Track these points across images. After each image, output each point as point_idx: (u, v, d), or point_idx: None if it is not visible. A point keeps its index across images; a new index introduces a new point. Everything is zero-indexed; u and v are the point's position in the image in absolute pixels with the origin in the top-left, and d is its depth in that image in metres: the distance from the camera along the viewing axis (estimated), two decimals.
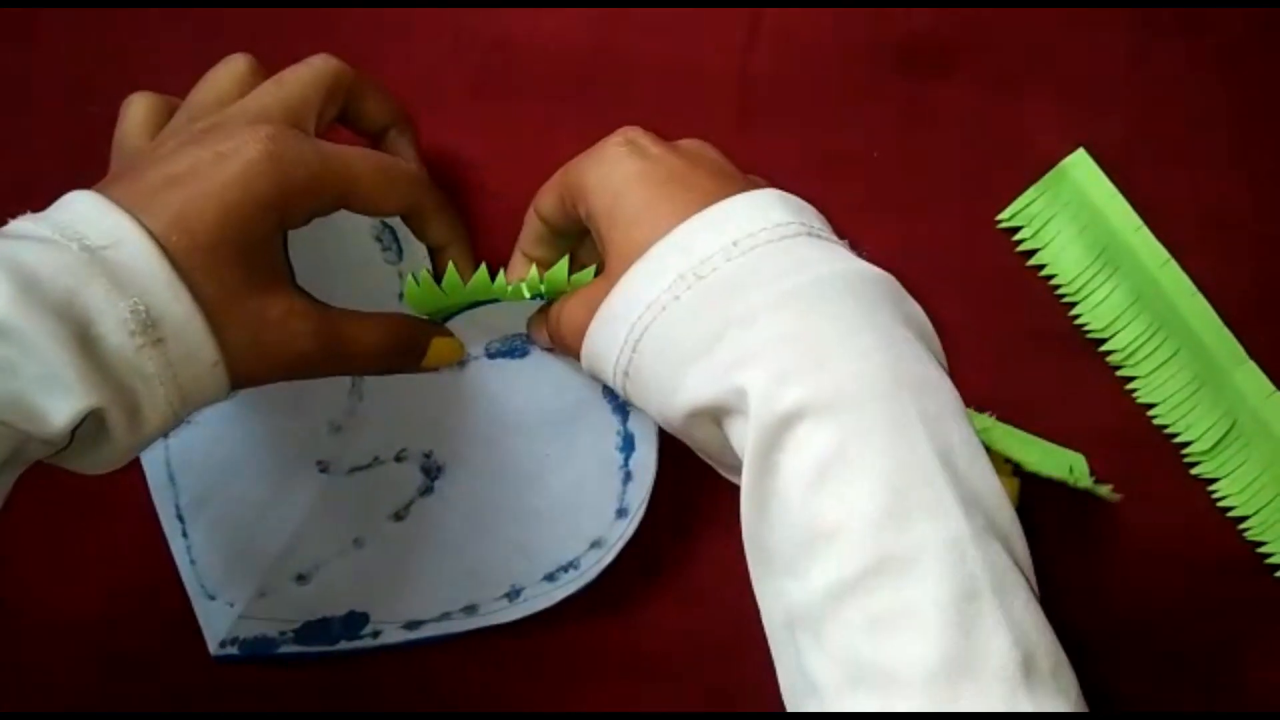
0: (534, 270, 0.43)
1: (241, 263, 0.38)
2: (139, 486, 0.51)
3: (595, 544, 0.49)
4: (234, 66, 0.43)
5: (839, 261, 0.36)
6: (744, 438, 0.34)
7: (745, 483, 0.34)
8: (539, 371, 0.50)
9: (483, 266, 0.43)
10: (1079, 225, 0.52)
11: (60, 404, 0.33)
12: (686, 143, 0.42)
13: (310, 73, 0.42)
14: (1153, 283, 0.52)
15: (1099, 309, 0.52)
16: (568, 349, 0.42)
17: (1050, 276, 0.53)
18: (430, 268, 0.47)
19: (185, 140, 0.39)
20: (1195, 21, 0.53)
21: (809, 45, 0.53)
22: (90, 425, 0.35)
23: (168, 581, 0.51)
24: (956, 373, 0.52)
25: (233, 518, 0.51)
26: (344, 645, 0.51)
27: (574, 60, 0.53)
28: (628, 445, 0.49)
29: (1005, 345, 0.53)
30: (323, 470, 0.52)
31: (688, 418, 0.37)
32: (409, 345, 0.45)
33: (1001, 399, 0.53)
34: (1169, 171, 0.53)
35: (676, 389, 0.36)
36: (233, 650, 0.51)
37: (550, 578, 0.50)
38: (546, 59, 0.53)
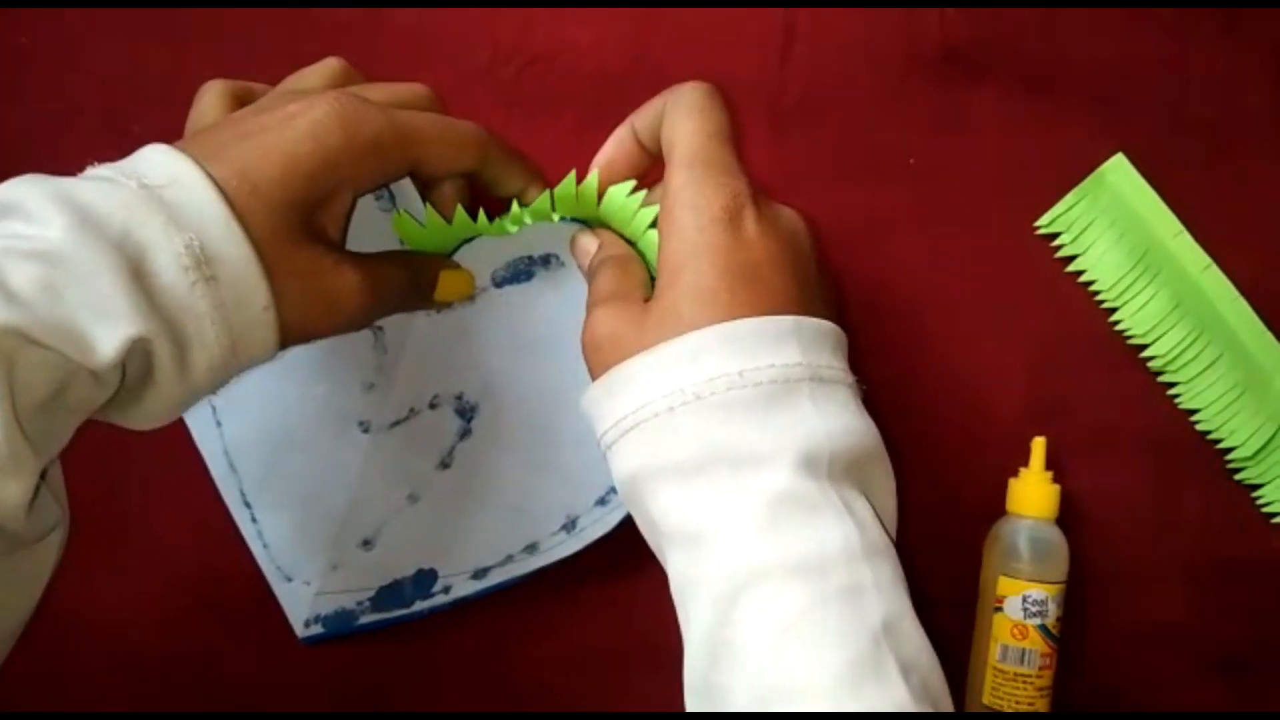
0: (515, 205, 0.43)
1: (299, 215, 0.39)
2: (200, 479, 0.53)
3: None
4: (327, 65, 0.45)
5: (829, 420, 0.38)
6: (688, 566, 0.37)
7: (701, 627, 0.36)
8: (549, 290, 0.50)
9: (459, 208, 0.44)
10: (1118, 231, 0.52)
11: (108, 332, 0.33)
12: (788, 218, 0.41)
13: (419, 95, 0.45)
14: (1194, 288, 0.51)
15: (1139, 315, 0.52)
16: (581, 350, 0.43)
17: (1090, 282, 0.53)
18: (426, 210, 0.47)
19: (258, 109, 0.41)
20: (1233, 23, 0.52)
21: (842, 52, 0.53)
22: (138, 366, 0.35)
23: (232, 576, 0.54)
24: (996, 380, 0.53)
25: (293, 493, 0.53)
26: (419, 606, 0.53)
27: (608, 68, 0.54)
28: None
29: (1045, 352, 0.53)
30: (364, 430, 0.53)
31: (650, 521, 0.39)
32: (421, 279, 0.46)
33: (1041, 406, 0.53)
34: (1209, 175, 0.52)
35: (652, 494, 0.38)
36: (318, 629, 0.54)
37: (602, 501, 0.50)
38: (582, 67, 0.54)
